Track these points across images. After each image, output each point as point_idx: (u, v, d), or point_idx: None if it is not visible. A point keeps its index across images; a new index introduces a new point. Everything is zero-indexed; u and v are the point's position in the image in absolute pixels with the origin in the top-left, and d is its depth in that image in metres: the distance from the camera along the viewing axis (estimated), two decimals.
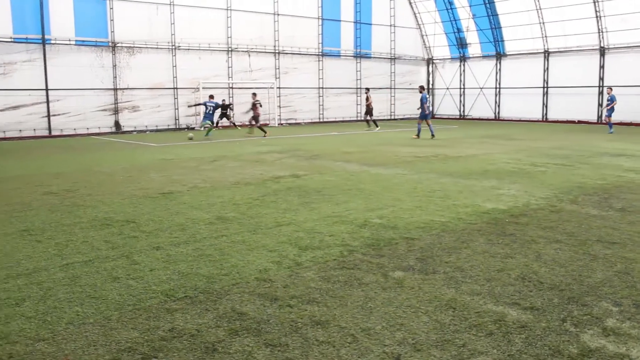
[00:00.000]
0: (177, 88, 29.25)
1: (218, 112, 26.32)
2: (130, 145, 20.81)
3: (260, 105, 25.88)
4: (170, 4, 28.58)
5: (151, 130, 28.46)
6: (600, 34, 31.29)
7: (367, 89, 29.52)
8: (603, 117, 25.41)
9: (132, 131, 27.84)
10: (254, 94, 25.77)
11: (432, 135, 22.31)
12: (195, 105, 27.59)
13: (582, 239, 6.81)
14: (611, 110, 25.09)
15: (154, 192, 10.31)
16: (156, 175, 12.53)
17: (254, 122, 25.37)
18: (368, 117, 29.23)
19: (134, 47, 27.81)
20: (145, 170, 13.53)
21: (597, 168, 13.21)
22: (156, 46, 28.50)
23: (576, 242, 6.64)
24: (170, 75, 29.08)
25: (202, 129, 24.20)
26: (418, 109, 23.18)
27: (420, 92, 22.96)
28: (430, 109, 22.52)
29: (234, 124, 30.06)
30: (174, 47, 28.97)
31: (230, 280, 5.39)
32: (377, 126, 28.87)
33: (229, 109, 29.57)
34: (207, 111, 23.55)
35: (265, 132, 25.00)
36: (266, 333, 4.20)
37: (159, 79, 28.78)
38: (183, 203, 9.26)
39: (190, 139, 22.32)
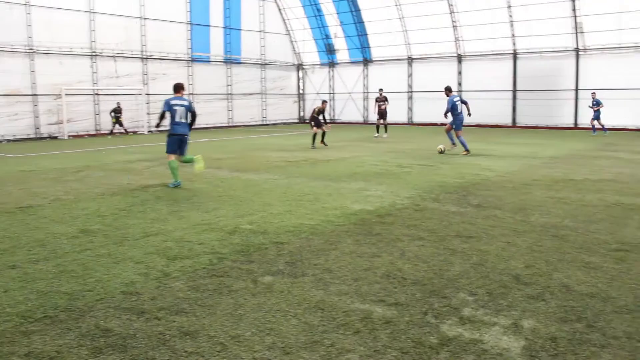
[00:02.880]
0: (36, 95, 27.45)
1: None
2: None
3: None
4: (25, 4, 26.79)
5: (8, 140, 26.51)
6: (457, 42, 33.33)
7: (381, 90, 27.27)
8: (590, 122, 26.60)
9: None
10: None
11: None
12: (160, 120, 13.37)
13: (442, 235, 7.20)
14: (597, 113, 25.88)
15: (10, 207, 9.62)
16: (13, 189, 11.69)
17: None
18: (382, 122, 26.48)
19: None
20: (0, 183, 12.59)
21: (456, 167, 14.03)
22: (11, 49, 26.60)
23: (437, 238, 7.01)
24: (28, 80, 27.23)
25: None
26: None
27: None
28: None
29: (125, 130, 29.16)
30: (31, 50, 27.21)
31: (95, 295, 5.15)
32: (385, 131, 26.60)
33: (120, 114, 28.79)
34: (177, 120, 11.92)
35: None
36: (132, 348, 4.06)
37: (15, 84, 26.87)
38: (43, 217, 8.72)
39: None
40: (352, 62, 39.21)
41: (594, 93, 26.45)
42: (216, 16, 35.79)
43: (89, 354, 3.98)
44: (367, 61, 38.27)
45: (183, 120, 11.75)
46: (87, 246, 6.91)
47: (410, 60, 35.89)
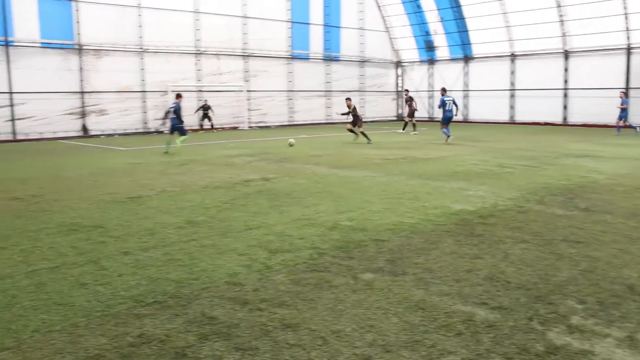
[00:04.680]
0: (145, 91, 28.93)
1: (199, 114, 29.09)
2: (97, 150, 20.53)
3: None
4: (137, 7, 28.27)
5: (119, 134, 28.10)
6: (564, 37, 31.90)
7: (407, 90, 30.44)
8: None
9: (99, 135, 27.44)
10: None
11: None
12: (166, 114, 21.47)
13: (548, 238, 6.93)
14: (624, 113, 25.74)
15: (122, 197, 10.19)
16: (124, 180, 12.39)
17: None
18: (407, 119, 28.53)
19: (101, 49, 27.43)
20: (113, 174, 13.37)
21: (562, 169, 13.46)
22: (123, 49, 28.16)
23: (542, 242, 6.76)
24: (138, 78, 28.75)
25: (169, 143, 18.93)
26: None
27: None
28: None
29: (212, 126, 30.02)
30: (141, 50, 28.67)
31: (200, 284, 5.36)
32: (414, 129, 28.00)
33: (210, 111, 29.67)
34: (171, 116, 18.91)
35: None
36: (236, 337, 4.19)
37: (127, 82, 28.44)
38: (152, 207, 9.17)
39: (291, 145, 19.61)
40: (452, 59, 38.45)
41: (622, 92, 26.01)
42: (316, 14, 36.16)
43: (195, 340, 4.15)
44: (467, 58, 37.40)
45: (174, 116, 18.74)
46: (192, 236, 7.20)
47: (513, 56, 34.71)
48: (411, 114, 28.21)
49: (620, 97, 26.03)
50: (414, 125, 27.85)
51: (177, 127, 18.80)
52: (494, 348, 3.97)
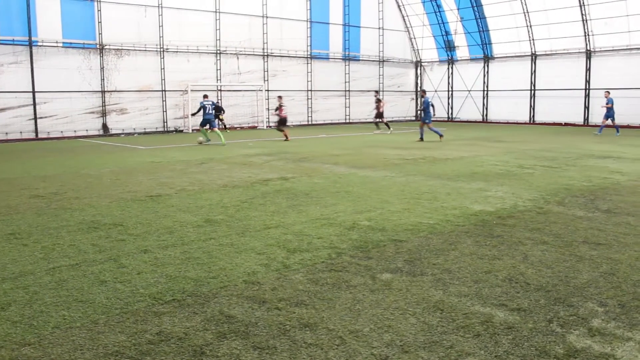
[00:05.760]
0: (165, 90, 29.15)
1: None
2: (118, 148, 20.71)
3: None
4: (158, 6, 28.50)
5: (139, 133, 28.34)
6: (586, 37, 31.54)
7: (377, 92, 32.00)
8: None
9: (120, 134, 27.71)
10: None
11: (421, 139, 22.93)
12: (197, 112, 23.13)
13: (568, 240, 6.86)
14: (608, 113, 25.64)
15: (141, 195, 10.27)
16: (144, 178, 12.48)
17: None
18: (378, 120, 29.60)
19: (122, 49, 27.69)
20: (133, 173, 13.48)
21: (583, 170, 13.32)
22: (144, 48, 28.40)
23: (562, 244, 6.69)
24: (158, 77, 28.98)
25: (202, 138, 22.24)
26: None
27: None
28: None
29: (224, 126, 30.05)
30: (162, 49, 28.87)
31: (218, 283, 5.38)
32: (388, 128, 29.07)
33: (222, 111, 29.67)
34: (207, 112, 21.93)
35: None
36: (254, 336, 4.20)
37: (147, 81, 28.69)
38: (171, 206, 9.23)
39: (201, 143, 21.83)
40: (472, 59, 38.22)
41: (607, 92, 25.92)
42: (336, 13, 36.17)
43: (213, 338, 4.17)
44: (487, 58, 37.14)
45: (210, 112, 21.76)
46: (211, 235, 7.23)
47: (533, 56, 34.40)
48: (379, 115, 29.26)
49: (605, 97, 25.81)
50: (376, 124, 29.54)
51: (211, 120, 21.94)
52: (512, 350, 3.94)
